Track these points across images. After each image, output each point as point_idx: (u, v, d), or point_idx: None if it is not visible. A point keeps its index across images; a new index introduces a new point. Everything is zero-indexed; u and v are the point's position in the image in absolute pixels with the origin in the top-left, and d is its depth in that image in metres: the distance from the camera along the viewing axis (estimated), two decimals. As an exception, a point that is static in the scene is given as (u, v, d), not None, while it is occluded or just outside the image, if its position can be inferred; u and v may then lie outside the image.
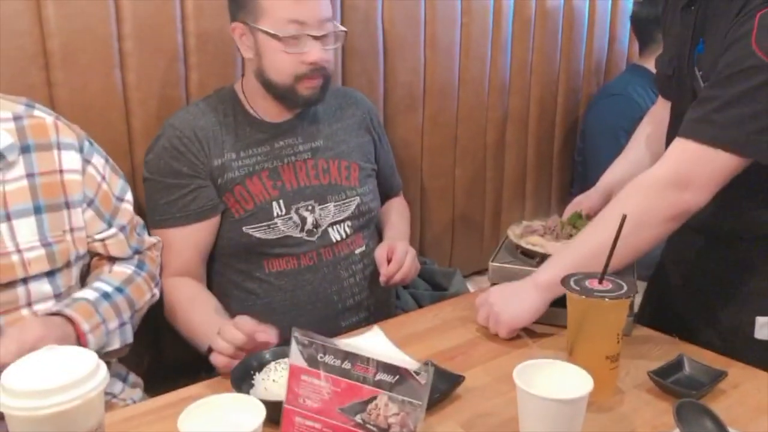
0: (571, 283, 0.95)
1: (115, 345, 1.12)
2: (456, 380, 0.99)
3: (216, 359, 1.06)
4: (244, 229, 1.32)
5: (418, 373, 0.70)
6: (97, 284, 1.14)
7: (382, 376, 0.70)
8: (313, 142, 1.40)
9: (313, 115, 1.41)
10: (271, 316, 1.23)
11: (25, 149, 1.06)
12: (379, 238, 1.52)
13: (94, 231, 1.15)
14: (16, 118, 1.07)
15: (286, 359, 0.94)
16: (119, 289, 1.14)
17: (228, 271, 1.38)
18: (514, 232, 1.33)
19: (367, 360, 0.71)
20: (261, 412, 0.76)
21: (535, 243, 1.28)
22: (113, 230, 1.18)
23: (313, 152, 1.39)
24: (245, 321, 1.08)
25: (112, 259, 1.20)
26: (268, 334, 1.06)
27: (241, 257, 1.35)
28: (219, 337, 1.06)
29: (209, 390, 1.00)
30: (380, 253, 1.34)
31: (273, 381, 0.95)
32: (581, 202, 1.38)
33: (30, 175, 1.06)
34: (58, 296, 1.09)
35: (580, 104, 2.21)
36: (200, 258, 1.34)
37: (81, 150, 1.14)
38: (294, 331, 0.77)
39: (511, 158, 2.09)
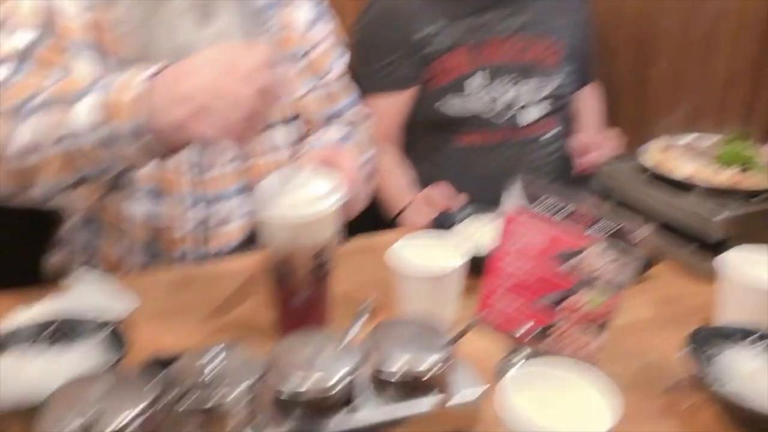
0: None
1: None
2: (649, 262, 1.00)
3: (407, 218, 1.15)
4: (438, 102, 1.37)
5: (636, 231, 0.72)
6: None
7: (601, 225, 0.72)
8: (519, 17, 1.37)
9: (521, -11, 1.38)
10: (456, 192, 1.28)
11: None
12: (572, 125, 1.49)
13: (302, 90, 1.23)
14: None
15: (473, 219, 1.00)
16: None
17: (418, 145, 1.44)
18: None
19: (588, 207, 0.73)
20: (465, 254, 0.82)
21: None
22: (321, 91, 1.26)
23: (518, 28, 1.37)
24: (443, 186, 1.15)
25: (321, 126, 1.29)
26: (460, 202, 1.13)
27: (432, 131, 1.41)
28: (419, 196, 1.14)
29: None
30: (581, 141, 1.32)
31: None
32: None
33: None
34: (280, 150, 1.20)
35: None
36: (400, 127, 1.42)
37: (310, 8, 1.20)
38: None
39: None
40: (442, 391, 0.70)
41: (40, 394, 0.66)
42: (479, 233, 1.02)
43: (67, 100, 0.81)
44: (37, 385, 0.70)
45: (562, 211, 0.76)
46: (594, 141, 1.32)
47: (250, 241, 1.12)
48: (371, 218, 1.42)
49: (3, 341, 0.76)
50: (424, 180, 1.34)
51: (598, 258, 0.74)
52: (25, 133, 0.83)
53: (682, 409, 0.77)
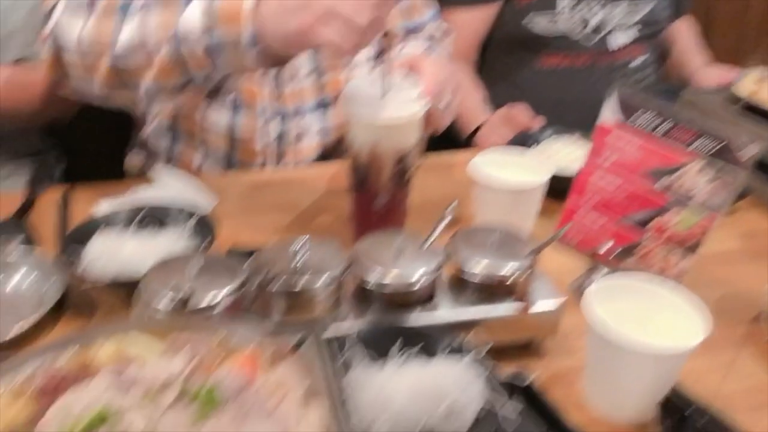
0: None
1: None
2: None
3: (483, 137, 1.13)
4: (525, 19, 1.31)
5: (741, 150, 0.68)
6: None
7: (702, 142, 0.69)
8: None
9: None
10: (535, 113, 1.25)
11: None
12: (662, 54, 1.41)
13: None
14: None
15: (553, 140, 0.97)
16: None
17: (495, 64, 1.40)
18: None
19: (689, 123, 0.70)
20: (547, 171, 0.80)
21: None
22: (402, 4, 1.22)
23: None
24: (522, 106, 1.11)
25: (400, 40, 1.26)
26: (540, 123, 1.09)
27: (514, 51, 1.36)
28: (497, 114, 1.11)
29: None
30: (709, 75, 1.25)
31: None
32: None
33: None
34: (359, 65, 1.18)
35: None
36: (477, 44, 1.37)
37: None
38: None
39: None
40: (521, 298, 0.70)
41: (135, 271, 0.69)
42: (560, 154, 1.00)
43: (176, 2, 0.81)
44: (132, 263, 0.73)
45: (661, 126, 0.72)
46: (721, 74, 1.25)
47: (325, 159, 1.13)
48: (445, 137, 1.40)
49: (97, 224, 0.80)
50: (498, 102, 1.31)
51: (696, 177, 0.71)
52: (132, 31, 0.83)
53: (764, 341, 0.75)
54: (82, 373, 0.48)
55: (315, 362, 0.51)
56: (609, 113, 0.76)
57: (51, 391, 0.46)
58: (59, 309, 0.74)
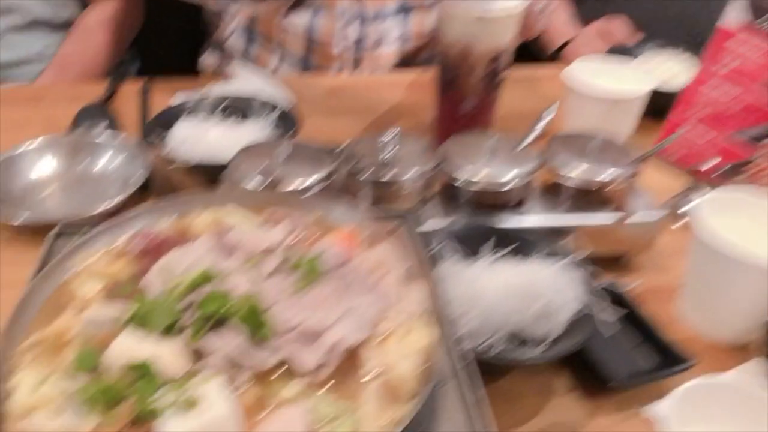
0: None
1: None
2: None
3: (575, 51, 1.06)
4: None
5: None
6: None
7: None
8: None
9: None
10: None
11: None
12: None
13: None
14: None
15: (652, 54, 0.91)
16: None
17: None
18: None
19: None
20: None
21: None
22: None
23: None
24: (618, 19, 1.04)
25: None
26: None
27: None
28: (591, 27, 1.04)
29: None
30: None
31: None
32: None
33: None
34: None
35: None
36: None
37: None
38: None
39: None
40: (618, 209, 0.66)
41: (222, 155, 0.68)
42: (661, 69, 0.93)
43: None
44: (216, 149, 0.72)
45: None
46: None
47: (402, 67, 1.09)
48: (526, 51, 1.33)
49: (180, 112, 0.79)
50: (587, 19, 1.22)
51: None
52: None
53: None
54: (182, 237, 0.48)
55: (412, 248, 0.49)
56: (734, 14, 0.69)
57: (152, 252, 0.46)
58: (144, 191, 0.74)
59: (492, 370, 0.54)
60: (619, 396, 0.55)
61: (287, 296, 0.43)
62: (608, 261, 0.67)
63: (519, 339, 0.55)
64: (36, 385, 0.38)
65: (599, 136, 0.69)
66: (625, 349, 0.57)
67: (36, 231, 0.67)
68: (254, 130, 0.76)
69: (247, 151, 0.66)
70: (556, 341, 0.54)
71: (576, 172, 0.65)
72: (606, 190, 0.65)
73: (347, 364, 0.40)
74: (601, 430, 0.54)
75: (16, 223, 0.68)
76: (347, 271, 0.45)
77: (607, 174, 0.65)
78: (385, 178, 0.63)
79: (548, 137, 0.70)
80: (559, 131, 0.73)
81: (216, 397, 0.36)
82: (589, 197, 0.66)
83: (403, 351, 0.40)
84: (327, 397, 0.38)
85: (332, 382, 0.39)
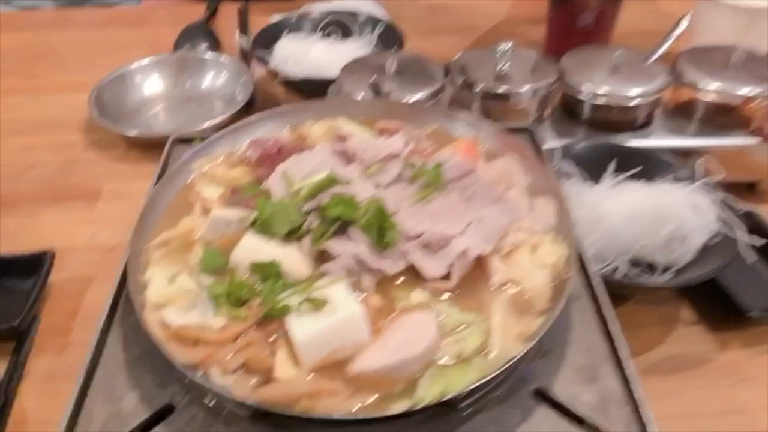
0: None
1: None
2: None
3: None
4: None
5: None
6: None
7: None
8: None
9: None
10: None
11: None
12: None
13: None
14: None
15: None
16: None
17: None
18: None
19: None
20: None
21: None
22: None
23: None
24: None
25: None
26: None
27: None
28: None
29: None
30: None
31: None
32: None
33: None
34: None
35: None
36: None
37: None
38: None
39: None
40: (757, 132, 0.60)
41: (326, 70, 0.66)
42: None
43: None
44: (321, 65, 0.71)
45: None
46: None
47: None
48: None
49: (282, 29, 0.78)
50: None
51: None
52: None
53: None
54: (300, 144, 0.47)
55: (535, 162, 0.46)
56: None
57: (270, 158, 0.45)
58: (249, 108, 0.74)
59: (612, 296, 0.51)
60: (750, 330, 0.51)
61: (409, 205, 0.41)
62: (742, 188, 0.61)
63: (643, 264, 0.51)
64: (167, 281, 0.38)
65: (739, 48, 0.62)
66: (764, 279, 0.53)
67: (147, 145, 0.69)
68: (357, 47, 0.74)
69: (354, 65, 0.64)
70: (683, 269, 0.50)
71: (713, 86, 0.59)
72: (746, 108, 0.58)
73: (473, 275, 0.38)
74: (730, 364, 0.50)
75: (131, 135, 0.70)
76: (470, 182, 0.42)
77: (749, 89, 0.58)
78: (500, 91, 0.59)
79: (675, 54, 0.64)
80: (695, 45, 0.66)
81: (343, 300, 0.35)
82: (726, 116, 0.59)
83: (534, 265, 0.38)
84: (453, 306, 0.37)
85: (457, 291, 0.38)
